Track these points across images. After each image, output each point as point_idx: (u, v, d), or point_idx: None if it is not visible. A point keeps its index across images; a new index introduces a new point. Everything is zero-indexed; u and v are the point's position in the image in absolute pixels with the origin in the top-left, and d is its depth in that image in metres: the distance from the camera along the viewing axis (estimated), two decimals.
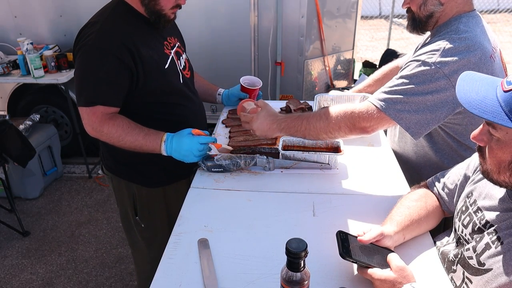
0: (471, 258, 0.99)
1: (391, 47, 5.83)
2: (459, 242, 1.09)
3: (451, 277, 1.05)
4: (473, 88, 0.91)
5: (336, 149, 1.54)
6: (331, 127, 1.36)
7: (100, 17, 1.49)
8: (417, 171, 1.55)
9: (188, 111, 1.67)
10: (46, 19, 3.64)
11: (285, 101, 2.02)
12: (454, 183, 1.21)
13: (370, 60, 5.05)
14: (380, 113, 1.30)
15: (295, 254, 0.83)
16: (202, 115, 1.78)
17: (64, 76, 3.27)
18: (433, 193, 1.27)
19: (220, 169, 1.50)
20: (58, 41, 3.66)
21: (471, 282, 0.98)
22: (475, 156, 1.13)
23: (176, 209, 1.33)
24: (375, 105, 1.31)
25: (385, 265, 1.00)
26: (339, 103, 1.92)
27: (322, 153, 1.52)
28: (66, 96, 3.43)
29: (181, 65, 1.66)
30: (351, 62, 4.09)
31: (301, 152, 1.53)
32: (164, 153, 1.49)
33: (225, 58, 3.49)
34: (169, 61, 1.58)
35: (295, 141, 1.60)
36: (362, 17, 6.55)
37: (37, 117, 3.41)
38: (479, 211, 1.04)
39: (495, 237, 0.95)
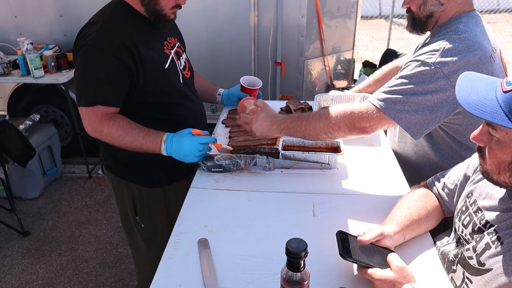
0: (471, 258, 0.99)
1: (391, 47, 5.83)
2: (459, 242, 1.09)
3: (451, 277, 1.05)
4: (472, 88, 0.91)
5: (336, 149, 1.54)
6: (331, 128, 1.36)
7: (100, 17, 1.49)
8: (417, 171, 1.55)
9: (188, 111, 1.67)
10: (46, 19, 3.64)
11: (285, 101, 2.02)
12: (454, 183, 1.21)
13: (370, 60, 5.05)
14: (379, 113, 1.30)
15: (295, 254, 0.83)
16: (202, 115, 1.78)
17: (64, 76, 3.27)
18: (433, 193, 1.27)
19: (220, 169, 1.50)
20: (58, 41, 3.66)
21: (471, 282, 0.98)
22: (475, 156, 1.13)
23: (176, 209, 1.33)
24: (374, 105, 1.31)
25: (385, 265, 1.00)
26: (339, 103, 1.92)
27: (322, 153, 1.52)
28: (66, 96, 3.43)
29: (181, 65, 1.66)
30: (351, 62, 4.09)
31: (301, 152, 1.53)
32: (164, 153, 1.49)
33: (225, 58, 3.49)
34: (169, 61, 1.58)
35: (295, 141, 1.60)
36: (362, 17, 6.55)
37: (37, 117, 3.41)
38: (479, 211, 1.04)
39: (495, 237, 0.95)
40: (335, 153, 1.51)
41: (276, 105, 1.98)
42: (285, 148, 1.59)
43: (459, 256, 1.04)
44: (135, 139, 1.47)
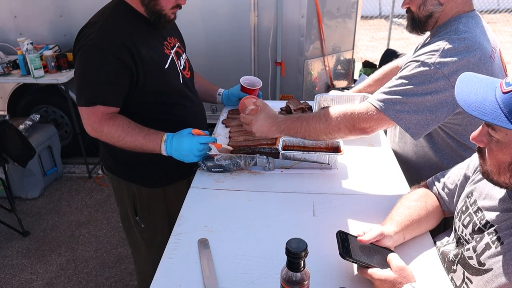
0: (471, 258, 0.99)
1: (391, 47, 5.83)
2: (459, 242, 1.09)
3: (451, 277, 1.05)
4: (472, 89, 0.91)
5: (336, 149, 1.54)
6: (331, 129, 1.37)
7: (100, 17, 1.49)
8: (417, 171, 1.55)
9: (188, 111, 1.67)
10: (46, 19, 3.64)
11: (285, 101, 2.02)
12: (454, 183, 1.21)
13: (370, 60, 5.05)
14: (379, 113, 1.30)
15: (295, 254, 0.83)
16: (202, 115, 1.78)
17: (64, 76, 3.27)
18: (433, 193, 1.27)
19: (220, 169, 1.51)
20: (58, 41, 3.66)
21: (471, 282, 0.98)
22: (475, 156, 1.13)
23: (176, 209, 1.33)
24: (374, 106, 1.31)
25: (385, 265, 1.00)
26: (339, 103, 1.92)
27: (322, 153, 1.52)
28: (66, 96, 3.43)
29: (181, 65, 1.66)
30: (351, 62, 4.10)
31: (301, 152, 1.53)
32: (164, 153, 1.49)
33: (225, 58, 3.49)
34: (169, 61, 1.58)
35: (295, 141, 1.60)
36: (362, 17, 6.55)
37: (37, 117, 3.40)
38: (479, 211, 1.04)
39: (495, 237, 0.95)
40: (335, 153, 1.51)
41: (276, 105, 1.98)
42: (285, 148, 1.59)
43: (459, 256, 1.04)
44: (135, 139, 1.47)
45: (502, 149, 0.89)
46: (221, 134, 1.84)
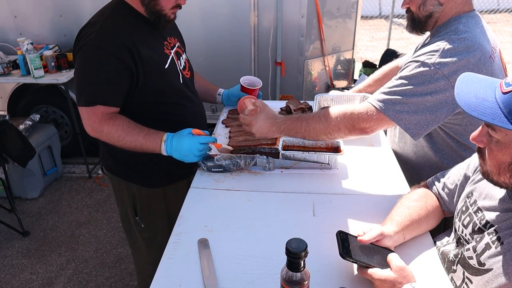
0: (471, 258, 0.99)
1: (391, 47, 5.83)
2: (459, 242, 1.09)
3: (451, 277, 1.05)
4: (471, 90, 0.91)
5: (336, 149, 1.54)
6: (331, 129, 1.37)
7: (100, 17, 1.49)
8: (417, 171, 1.55)
9: (188, 111, 1.67)
10: (46, 19, 3.64)
11: (285, 101, 2.02)
12: (454, 183, 1.21)
13: (370, 60, 5.05)
14: (379, 114, 1.30)
15: (295, 254, 0.83)
16: (202, 115, 1.78)
17: (64, 76, 3.27)
18: (433, 193, 1.27)
19: (220, 169, 1.51)
20: (58, 41, 3.66)
21: (471, 282, 0.98)
22: (475, 156, 1.13)
23: (176, 209, 1.33)
24: (374, 106, 1.31)
25: (385, 265, 1.00)
26: (339, 103, 1.92)
27: (322, 153, 1.52)
28: (66, 96, 3.43)
29: (181, 65, 1.66)
30: (351, 62, 4.10)
31: (301, 152, 1.53)
32: (164, 153, 1.49)
33: (225, 58, 3.49)
34: (169, 61, 1.58)
35: (295, 141, 1.60)
36: (362, 17, 6.55)
37: (37, 117, 3.41)
38: (479, 211, 1.04)
39: (495, 237, 0.95)
40: (335, 153, 1.51)
41: (276, 105, 1.98)
42: (285, 148, 1.59)
43: (459, 256, 1.04)
44: (135, 139, 1.47)
45: (502, 149, 0.89)
46: (221, 134, 1.84)
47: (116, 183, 1.73)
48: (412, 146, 1.57)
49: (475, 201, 1.07)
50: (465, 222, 1.07)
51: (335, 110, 1.38)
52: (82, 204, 3.35)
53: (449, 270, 1.06)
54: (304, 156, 1.52)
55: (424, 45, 1.44)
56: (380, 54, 5.16)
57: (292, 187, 1.43)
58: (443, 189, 1.24)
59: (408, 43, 7.37)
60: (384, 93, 1.31)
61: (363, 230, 1.09)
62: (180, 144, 1.46)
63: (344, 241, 1.04)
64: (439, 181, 1.26)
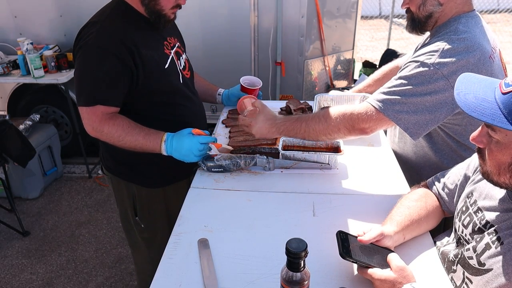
0: (471, 258, 0.99)
1: (391, 47, 5.83)
2: (459, 242, 1.10)
3: (451, 277, 1.05)
4: (471, 90, 0.91)
5: (336, 149, 1.54)
6: (330, 129, 1.37)
7: (100, 16, 1.49)
8: (417, 171, 1.55)
9: (188, 111, 1.67)
10: (46, 19, 3.64)
11: (285, 101, 2.02)
12: (454, 183, 1.21)
13: (370, 60, 5.05)
14: (378, 114, 1.30)
15: (295, 254, 0.83)
16: (202, 115, 1.78)
17: (64, 76, 3.27)
18: (433, 193, 1.27)
19: (220, 169, 1.51)
20: (58, 41, 3.66)
21: (471, 282, 0.98)
22: (475, 156, 1.13)
23: (176, 209, 1.33)
24: (373, 106, 1.31)
25: (385, 265, 1.00)
26: (339, 103, 1.92)
27: (322, 153, 1.52)
28: (66, 96, 3.43)
29: (181, 65, 1.66)
30: (351, 62, 4.10)
31: (301, 152, 1.53)
32: (164, 152, 1.49)
33: (225, 58, 3.49)
34: (169, 61, 1.58)
35: (295, 141, 1.60)
36: (362, 17, 6.55)
37: (37, 117, 3.41)
38: (479, 211, 1.04)
39: (495, 237, 0.95)
40: (335, 153, 1.51)
41: (276, 105, 1.98)
42: (285, 148, 1.59)
43: (459, 256, 1.04)
44: (135, 139, 1.47)
45: (502, 150, 0.89)
46: (221, 134, 1.84)
47: (116, 183, 1.73)
48: (412, 146, 1.57)
49: (475, 201, 1.07)
50: (465, 222, 1.07)
51: (334, 111, 1.38)
52: (82, 204, 3.35)
53: (449, 270, 1.06)
54: (304, 156, 1.52)
55: (424, 45, 1.44)
56: (380, 54, 5.16)
57: (292, 187, 1.43)
58: (443, 189, 1.24)
59: (408, 43, 7.37)
60: (384, 93, 1.31)
61: (363, 230, 1.09)
62: (180, 144, 1.46)
63: (344, 241, 1.04)
64: (439, 181, 1.26)
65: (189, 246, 1.17)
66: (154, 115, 1.58)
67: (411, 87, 1.27)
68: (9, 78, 3.35)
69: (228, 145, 1.67)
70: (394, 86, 1.30)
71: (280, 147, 1.55)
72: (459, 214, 1.12)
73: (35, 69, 3.19)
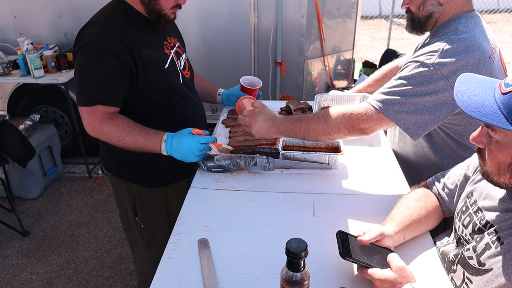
0: (471, 258, 0.99)
1: (391, 47, 5.83)
2: (459, 242, 1.10)
3: (451, 277, 1.05)
4: (471, 90, 0.91)
5: (336, 149, 1.54)
6: (330, 129, 1.37)
7: (100, 16, 1.49)
8: (417, 171, 1.55)
9: (188, 111, 1.67)
10: (46, 19, 3.64)
11: (285, 101, 2.02)
12: (454, 183, 1.21)
13: (370, 60, 5.05)
14: (378, 114, 1.30)
15: (295, 254, 0.83)
16: (202, 115, 1.78)
17: (64, 76, 3.27)
18: (433, 193, 1.27)
19: (220, 169, 1.51)
20: (58, 41, 3.66)
21: (471, 282, 0.98)
22: (475, 156, 1.13)
23: (176, 209, 1.33)
24: (373, 106, 1.31)
25: (385, 265, 1.01)
26: (339, 103, 1.92)
27: (322, 153, 1.52)
28: (66, 96, 3.43)
29: (181, 65, 1.66)
30: (351, 62, 4.10)
31: (301, 152, 1.53)
32: (164, 152, 1.49)
33: (225, 58, 3.49)
34: (169, 61, 1.58)
35: (295, 141, 1.60)
36: (362, 17, 6.55)
37: (37, 117, 3.41)
38: (479, 211, 1.04)
39: (495, 237, 0.95)
40: (335, 153, 1.51)
41: (276, 105, 1.98)
42: (285, 148, 1.59)
43: (459, 256, 1.04)
44: (135, 139, 1.47)
45: (502, 150, 0.89)
46: (221, 134, 1.84)
47: (116, 183, 1.73)
48: (412, 146, 1.57)
49: (475, 201, 1.07)
50: (465, 222, 1.07)
51: (334, 111, 1.38)
52: (82, 204, 3.35)
53: (449, 270, 1.06)
54: (304, 156, 1.52)
55: (423, 45, 1.44)
56: (380, 54, 5.16)
57: (292, 187, 1.43)
58: (443, 189, 1.24)
59: (408, 43, 7.37)
60: (383, 93, 1.31)
61: (363, 230, 1.09)
62: (180, 144, 1.46)
63: (344, 241, 1.04)
64: (439, 181, 1.26)
65: (189, 246, 1.17)
66: (154, 115, 1.58)
67: (411, 87, 1.27)
68: (9, 78, 3.36)
69: (228, 145, 1.67)
70: (394, 86, 1.30)
71: (280, 147, 1.55)
72: (459, 214, 1.12)
73: (35, 69, 3.19)
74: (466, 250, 1.02)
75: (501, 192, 1.00)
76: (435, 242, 1.18)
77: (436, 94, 1.25)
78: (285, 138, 1.59)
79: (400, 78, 1.30)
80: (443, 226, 1.28)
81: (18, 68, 3.34)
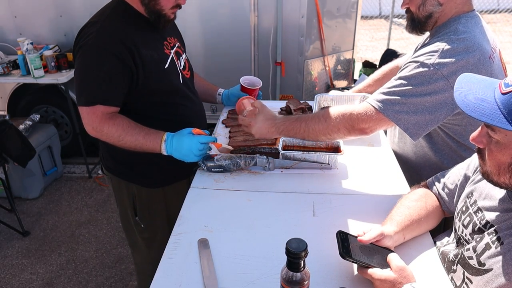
0: (471, 258, 0.99)
1: (391, 47, 5.83)
2: (459, 242, 1.10)
3: (451, 277, 1.05)
4: (471, 90, 0.91)
5: (336, 149, 1.55)
6: (330, 129, 1.37)
7: (100, 16, 1.49)
8: (417, 171, 1.55)
9: (188, 111, 1.67)
10: (46, 19, 3.64)
11: (285, 101, 2.02)
12: (454, 183, 1.21)
13: (370, 60, 5.05)
14: (378, 114, 1.30)
15: (295, 254, 0.83)
16: (202, 115, 1.78)
17: (64, 76, 3.27)
18: (433, 193, 1.27)
19: (220, 169, 1.51)
20: (58, 41, 3.66)
21: (471, 282, 0.98)
22: (475, 156, 1.13)
23: (176, 209, 1.33)
24: (373, 106, 1.31)
25: (385, 265, 1.01)
26: (339, 103, 1.92)
27: (322, 153, 1.52)
28: (66, 96, 3.43)
29: (181, 65, 1.66)
30: (351, 62, 4.10)
31: (301, 152, 1.53)
32: (164, 152, 1.49)
33: (225, 58, 3.49)
34: (169, 61, 1.58)
35: (295, 141, 1.60)
36: (362, 17, 6.55)
37: (37, 117, 3.41)
38: (479, 211, 1.04)
39: (495, 237, 0.95)
40: (335, 153, 1.51)
41: (276, 105, 1.98)
42: (285, 148, 1.59)
43: (459, 256, 1.04)
44: (135, 139, 1.47)
45: (502, 150, 0.89)
46: (221, 134, 1.84)
47: (116, 183, 1.73)
48: (412, 146, 1.57)
49: (475, 201, 1.07)
50: (465, 222, 1.07)
51: (334, 111, 1.38)
52: (82, 204, 3.35)
53: (449, 270, 1.06)
54: (304, 156, 1.52)
55: (423, 45, 1.44)
56: (380, 54, 5.16)
57: (292, 187, 1.43)
58: (443, 189, 1.24)
59: (408, 43, 7.37)
60: (383, 93, 1.31)
61: (363, 230, 1.09)
62: (180, 144, 1.46)
63: (344, 241, 1.04)
64: (439, 181, 1.26)
65: (189, 246, 1.17)
66: (154, 115, 1.58)
67: (411, 87, 1.27)
68: (9, 78, 3.36)
69: (228, 145, 1.67)
70: (394, 87, 1.30)
71: (280, 147, 1.55)
72: (459, 214, 1.12)
73: (35, 69, 3.19)
74: (466, 250, 1.02)
75: (501, 192, 1.00)
76: (435, 242, 1.18)
77: (436, 94, 1.25)
78: (285, 138, 1.59)
79: (400, 78, 1.30)
80: (443, 226, 1.28)
81: (18, 68, 3.34)
